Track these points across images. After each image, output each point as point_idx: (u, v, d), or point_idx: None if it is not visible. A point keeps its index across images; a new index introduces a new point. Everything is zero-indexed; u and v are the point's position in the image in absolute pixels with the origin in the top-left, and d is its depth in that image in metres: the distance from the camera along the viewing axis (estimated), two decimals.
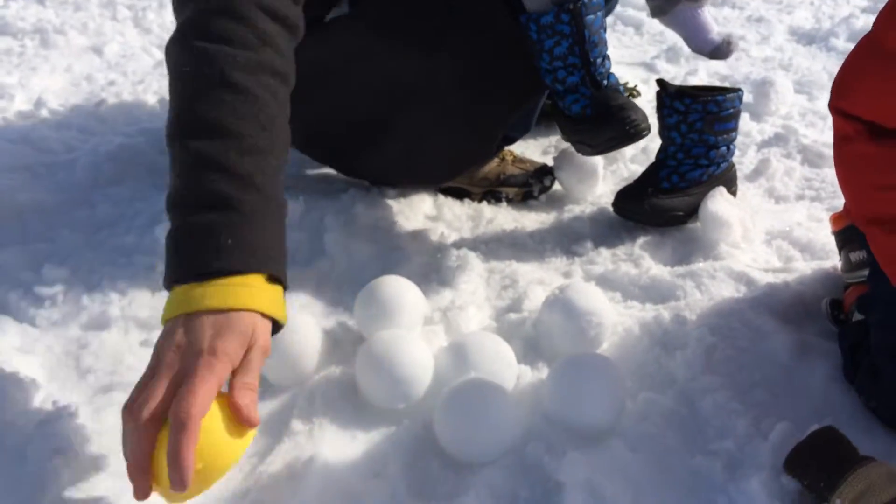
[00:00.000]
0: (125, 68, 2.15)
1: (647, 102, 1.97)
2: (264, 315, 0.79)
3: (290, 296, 1.08)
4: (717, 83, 2.11)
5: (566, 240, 1.41)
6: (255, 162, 0.82)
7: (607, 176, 1.61)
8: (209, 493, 0.79)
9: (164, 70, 2.16)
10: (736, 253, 1.34)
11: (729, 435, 0.96)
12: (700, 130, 1.40)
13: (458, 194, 1.53)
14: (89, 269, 1.23)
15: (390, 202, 1.47)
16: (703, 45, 1.47)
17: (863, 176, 0.93)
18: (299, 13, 0.95)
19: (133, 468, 0.71)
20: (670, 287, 1.25)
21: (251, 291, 0.77)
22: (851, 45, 2.38)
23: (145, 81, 2.04)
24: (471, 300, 1.22)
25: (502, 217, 1.49)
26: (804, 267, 1.30)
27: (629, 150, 1.69)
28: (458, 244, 1.37)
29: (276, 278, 0.82)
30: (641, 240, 1.39)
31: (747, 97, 1.90)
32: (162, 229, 1.29)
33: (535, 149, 1.77)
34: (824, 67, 2.26)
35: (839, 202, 1.47)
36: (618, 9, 2.70)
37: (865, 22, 2.55)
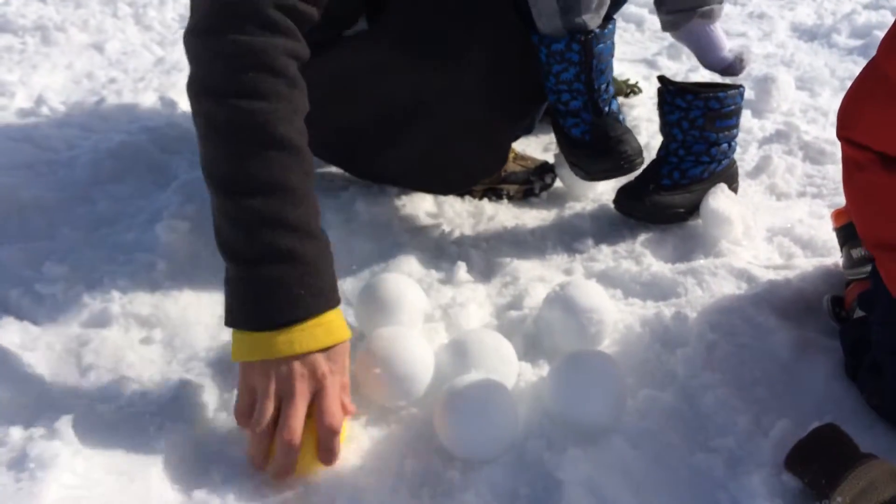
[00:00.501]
0: (126, 65, 2.15)
1: (648, 99, 1.97)
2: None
3: None
4: (719, 80, 2.11)
5: (567, 237, 1.41)
6: (306, 210, 0.92)
7: None
8: (211, 488, 0.86)
9: (164, 67, 2.17)
10: (737, 250, 1.33)
11: (730, 432, 0.96)
12: (701, 127, 1.39)
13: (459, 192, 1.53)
14: (90, 267, 1.23)
15: (391, 200, 1.47)
16: (715, 62, 1.46)
17: (874, 203, 0.94)
18: (304, 44, 1.01)
19: (286, 469, 0.89)
20: (671, 284, 1.25)
21: (329, 328, 0.91)
22: (853, 42, 2.40)
23: (146, 79, 2.04)
24: (471, 297, 1.22)
25: (503, 214, 1.49)
26: (805, 264, 1.30)
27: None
28: (459, 241, 1.37)
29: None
30: (642, 237, 1.39)
31: (749, 94, 1.89)
32: (162, 227, 1.29)
33: (536, 146, 1.77)
34: (826, 64, 2.25)
35: (840, 199, 1.47)
36: None
37: (867, 18, 2.54)
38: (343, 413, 0.91)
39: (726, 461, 0.92)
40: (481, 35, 1.27)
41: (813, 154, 1.70)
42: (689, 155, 1.43)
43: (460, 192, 1.52)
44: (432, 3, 1.26)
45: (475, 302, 1.21)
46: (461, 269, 1.27)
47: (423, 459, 0.93)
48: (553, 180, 1.57)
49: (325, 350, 0.90)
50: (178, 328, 1.11)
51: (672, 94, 1.41)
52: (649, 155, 1.55)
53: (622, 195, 1.44)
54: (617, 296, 1.24)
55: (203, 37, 0.96)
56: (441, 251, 1.33)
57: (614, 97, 1.35)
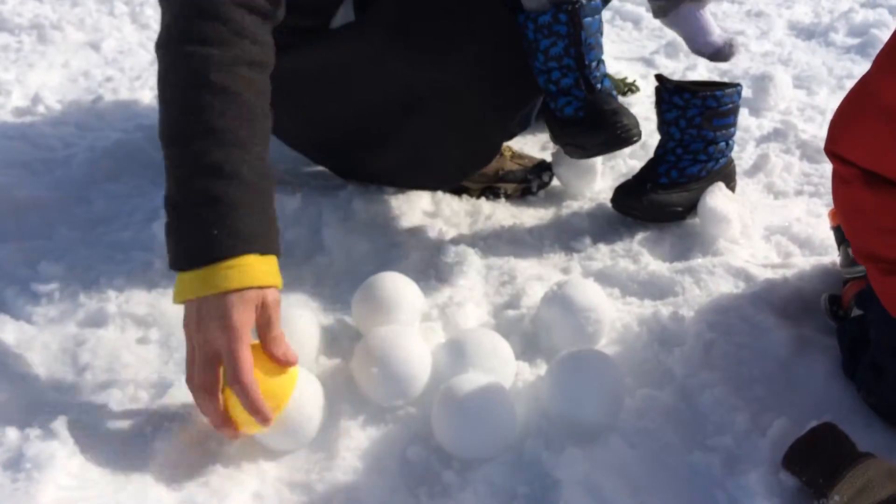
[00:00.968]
0: (122, 64, 2.15)
1: (645, 97, 1.97)
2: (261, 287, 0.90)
3: (288, 291, 1.09)
4: (717, 78, 2.11)
5: (565, 236, 1.41)
6: (233, 153, 0.91)
7: (606, 172, 1.60)
8: (209, 483, 0.88)
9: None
10: (735, 248, 1.33)
11: (727, 431, 0.96)
12: (699, 126, 1.39)
13: (457, 190, 1.52)
14: (86, 266, 1.23)
15: (389, 198, 1.47)
16: (704, 46, 1.46)
17: (859, 218, 0.95)
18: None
19: (216, 422, 0.88)
20: (669, 283, 1.25)
21: (245, 270, 0.88)
22: (851, 41, 2.40)
23: (142, 77, 2.04)
24: (469, 296, 1.21)
25: (501, 213, 1.48)
26: (803, 262, 1.30)
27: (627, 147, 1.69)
28: (457, 240, 1.37)
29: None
30: (640, 235, 1.39)
31: (746, 92, 1.89)
32: (159, 225, 1.27)
33: (533, 144, 1.76)
34: (823, 62, 2.25)
35: None
36: (616, 4, 2.69)
37: (864, 16, 2.54)
38: (282, 364, 0.90)
39: (724, 460, 0.93)
40: (473, 27, 1.26)
41: (810, 153, 1.70)
42: (687, 153, 1.42)
43: (454, 188, 1.52)
44: None
45: (472, 301, 1.20)
46: (458, 268, 1.26)
47: (420, 459, 0.93)
48: (550, 178, 1.57)
49: (240, 291, 0.87)
50: (174, 328, 1.11)
51: (670, 93, 1.40)
52: (646, 153, 1.55)
53: (620, 193, 1.44)
54: (615, 294, 1.24)
55: None
56: (438, 250, 1.33)
57: (607, 76, 1.32)
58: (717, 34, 1.46)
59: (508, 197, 1.54)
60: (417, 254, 1.32)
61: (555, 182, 1.57)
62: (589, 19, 1.26)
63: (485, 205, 1.50)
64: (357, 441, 0.95)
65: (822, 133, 1.76)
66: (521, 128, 1.57)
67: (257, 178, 0.92)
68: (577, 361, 0.99)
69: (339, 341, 1.11)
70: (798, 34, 2.52)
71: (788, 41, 2.46)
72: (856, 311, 1.11)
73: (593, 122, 1.29)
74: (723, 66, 2.20)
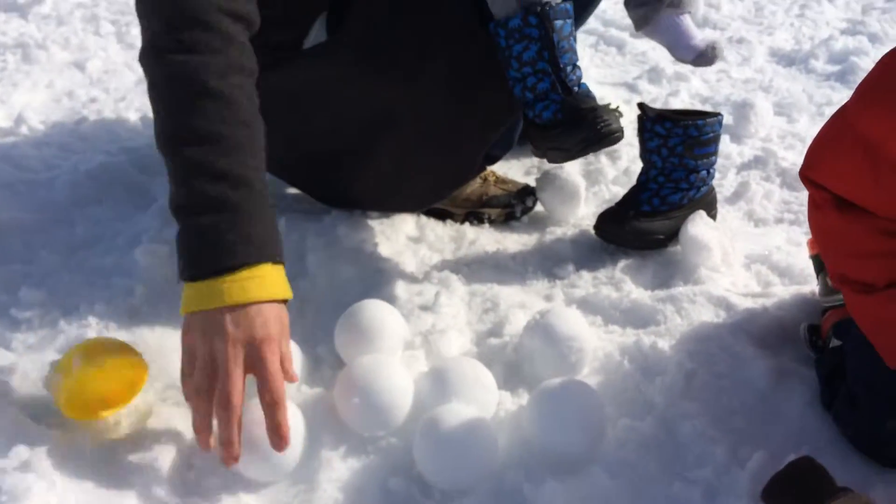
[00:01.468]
0: (107, 85, 2.14)
1: (629, 123, 1.98)
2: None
3: None
4: (699, 105, 2.13)
5: (548, 262, 1.41)
6: (238, 159, 0.93)
7: (589, 197, 1.61)
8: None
9: (146, 87, 2.15)
10: (715, 277, 1.34)
11: (707, 463, 0.97)
12: (680, 154, 1.41)
13: (441, 215, 1.53)
14: (67, 292, 1.22)
15: (373, 223, 1.46)
16: (686, 51, 1.48)
17: (831, 241, 0.98)
18: (254, 7, 1.05)
19: (230, 441, 0.87)
20: (651, 311, 1.25)
21: (262, 283, 0.89)
22: (831, 68, 2.43)
23: (127, 98, 2.03)
24: (452, 324, 1.22)
25: (485, 238, 1.49)
26: (783, 291, 1.31)
27: (611, 172, 1.70)
28: (440, 266, 1.37)
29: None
30: (622, 263, 1.40)
31: (727, 118, 1.91)
32: (141, 251, 1.28)
33: (517, 169, 1.77)
34: (804, 89, 2.28)
35: None
36: (600, 29, 2.71)
37: (844, 44, 2.58)
38: (285, 380, 0.90)
39: (704, 492, 0.93)
40: (440, 45, 1.26)
41: (790, 180, 1.72)
42: (669, 182, 1.44)
43: (437, 212, 1.52)
44: (389, 11, 1.26)
45: (455, 329, 1.20)
46: (442, 296, 1.27)
47: (401, 489, 0.93)
48: (534, 203, 1.58)
49: (257, 304, 0.88)
50: (154, 355, 1.09)
51: (651, 122, 1.42)
52: (629, 180, 1.57)
53: (603, 221, 1.45)
54: (597, 323, 1.25)
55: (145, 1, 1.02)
56: (422, 276, 1.33)
57: (583, 82, 1.31)
58: (700, 38, 1.48)
59: (492, 222, 1.54)
60: (401, 280, 1.32)
61: (538, 207, 1.58)
62: (560, 22, 1.25)
63: (469, 230, 1.50)
64: (338, 472, 0.95)
65: (802, 160, 1.79)
66: (502, 150, 1.58)
67: (258, 182, 0.94)
68: (559, 392, 1.00)
69: (321, 370, 1.11)
70: (779, 61, 2.56)
71: (769, 68, 2.49)
72: (834, 342, 1.12)
73: (572, 121, 1.27)
74: (705, 92, 2.22)
